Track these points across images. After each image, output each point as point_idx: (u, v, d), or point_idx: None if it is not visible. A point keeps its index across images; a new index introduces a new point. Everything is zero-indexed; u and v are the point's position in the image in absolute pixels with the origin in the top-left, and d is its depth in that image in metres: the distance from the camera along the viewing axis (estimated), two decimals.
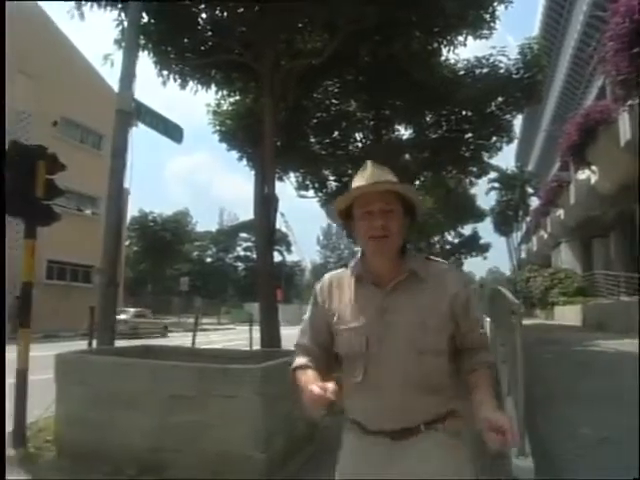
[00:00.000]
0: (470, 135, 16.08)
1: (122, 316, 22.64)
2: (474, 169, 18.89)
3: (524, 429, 4.37)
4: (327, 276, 2.06)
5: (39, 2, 26.12)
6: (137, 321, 25.42)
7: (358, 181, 1.85)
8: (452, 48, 12.19)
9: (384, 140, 16.58)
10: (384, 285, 1.83)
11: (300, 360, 1.90)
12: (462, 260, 50.70)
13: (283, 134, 12.54)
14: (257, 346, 10.69)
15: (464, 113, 15.27)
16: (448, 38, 11.89)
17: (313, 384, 1.67)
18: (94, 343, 7.45)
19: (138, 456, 4.54)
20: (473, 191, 35.84)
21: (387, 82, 12.79)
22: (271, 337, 9.88)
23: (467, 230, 48.58)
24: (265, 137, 10.54)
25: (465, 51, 18.17)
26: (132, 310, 26.68)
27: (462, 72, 14.39)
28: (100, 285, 7.06)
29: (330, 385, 1.63)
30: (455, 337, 1.83)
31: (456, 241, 49.99)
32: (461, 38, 11.93)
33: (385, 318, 1.79)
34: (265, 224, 10.50)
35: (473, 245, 51.44)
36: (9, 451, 5.31)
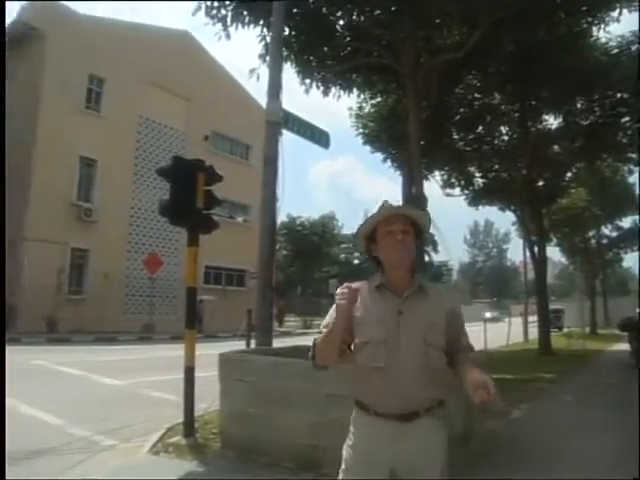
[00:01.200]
0: (627, 119, 14.89)
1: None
2: (633, 155, 17.42)
3: None
4: (348, 285, 2.31)
5: (190, 31, 28.30)
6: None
7: (379, 213, 2.32)
8: (603, 26, 11.37)
9: (531, 132, 15.86)
10: (399, 294, 2.27)
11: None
12: (621, 256, 46.70)
13: (427, 132, 12.42)
14: None
15: (619, 95, 14.18)
16: (598, 15, 11.09)
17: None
18: (252, 343, 7.84)
19: (295, 451, 4.75)
20: (632, 180, 32.88)
21: (532, 71, 12.22)
22: None
23: (626, 223, 44.63)
24: (410, 137, 10.50)
25: (618, 27, 16.73)
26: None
27: (616, 50, 13.35)
28: (257, 288, 7.41)
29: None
30: (448, 341, 2.25)
31: (614, 235, 46.22)
32: (614, 14, 11.05)
33: (401, 317, 2.23)
34: None
35: (634, 239, 47.24)
36: (180, 440, 5.78)
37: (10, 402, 8.07)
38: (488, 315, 47.09)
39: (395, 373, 2.16)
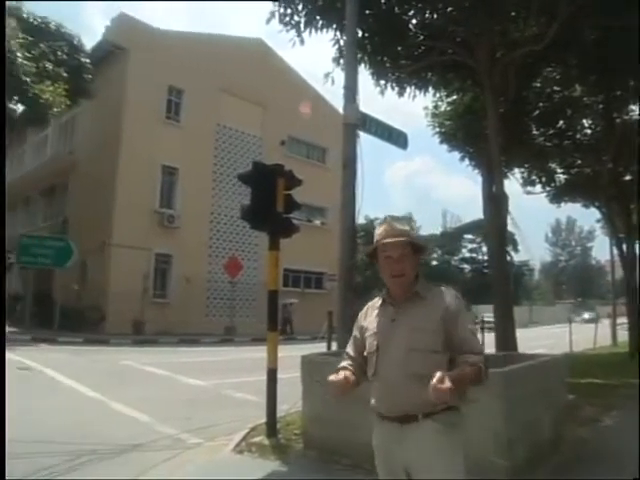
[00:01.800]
0: None
1: None
2: None
3: None
4: (369, 303, 2.64)
5: (264, 38, 28.87)
6: None
7: (379, 233, 2.46)
8: None
9: (617, 123, 15.14)
10: (397, 304, 2.42)
11: (343, 363, 2.54)
12: None
13: (505, 129, 12.09)
14: (489, 349, 10.41)
15: None
16: None
17: (333, 374, 2.36)
18: (333, 345, 7.88)
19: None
20: None
21: (617, 60, 11.63)
22: (507, 340, 9.55)
23: None
24: (489, 134, 10.27)
25: None
26: None
27: None
28: (338, 290, 7.44)
29: (343, 376, 2.34)
30: (447, 341, 2.28)
31: None
32: None
33: (393, 325, 2.38)
34: (496, 224, 10.22)
35: None
36: (263, 440, 5.88)
37: (102, 399, 8.50)
38: (586, 316, 45.40)
39: (385, 379, 2.34)
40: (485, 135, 10.96)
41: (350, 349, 2.62)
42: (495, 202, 10.22)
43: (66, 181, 27.71)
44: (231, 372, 12.27)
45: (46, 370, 11.31)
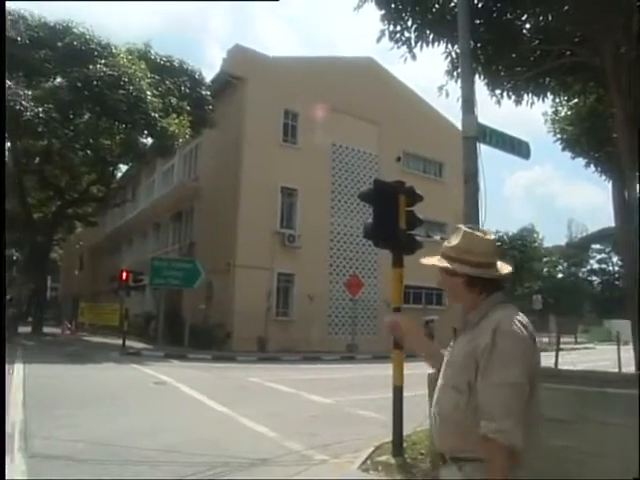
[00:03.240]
0: None
1: None
2: None
3: None
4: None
5: (374, 56, 29.08)
6: None
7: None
8: None
9: None
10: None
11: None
12: None
13: (635, 130, 11.33)
14: (627, 368, 9.72)
15: None
16: None
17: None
18: None
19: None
20: None
21: None
22: None
23: None
24: (618, 136, 9.67)
25: None
26: None
27: None
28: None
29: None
30: (470, 383, 1.90)
31: None
32: None
33: (448, 353, 2.14)
34: (628, 232, 9.58)
35: None
36: (389, 459, 5.83)
37: (231, 414, 8.83)
38: None
39: (434, 413, 2.11)
40: (613, 138, 10.32)
41: None
42: (628, 208, 9.58)
43: (192, 206, 29.22)
44: (353, 389, 12.32)
45: (179, 385, 11.92)
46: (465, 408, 1.89)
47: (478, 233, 2.14)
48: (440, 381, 2.08)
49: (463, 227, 2.16)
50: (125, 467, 5.55)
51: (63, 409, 8.53)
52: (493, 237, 2.17)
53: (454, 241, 2.13)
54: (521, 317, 2.01)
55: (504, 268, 2.17)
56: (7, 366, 13.19)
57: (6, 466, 5.31)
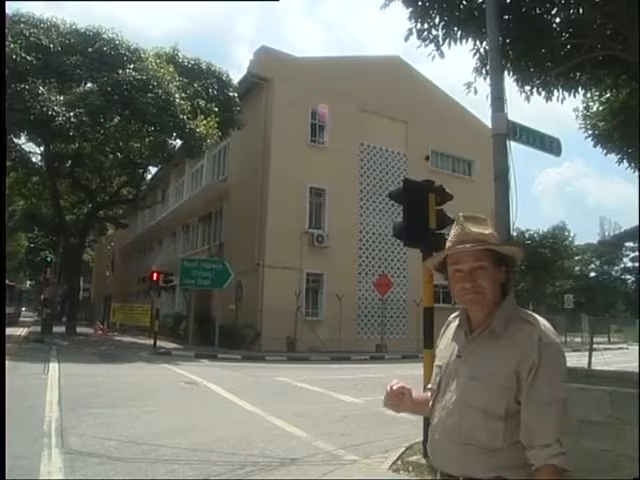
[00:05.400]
0: None
1: None
2: None
3: None
4: (450, 316, 2.07)
5: (401, 55, 28.86)
6: None
7: (449, 239, 1.90)
8: None
9: None
10: (470, 333, 1.85)
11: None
12: None
13: None
14: None
15: None
16: None
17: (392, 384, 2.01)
18: None
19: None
20: None
21: None
22: None
23: None
24: None
25: None
26: None
27: None
28: None
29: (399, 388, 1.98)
30: (513, 407, 1.68)
31: None
32: None
33: (458, 363, 1.84)
34: None
35: None
36: (419, 459, 5.81)
37: (261, 414, 8.88)
38: None
39: (433, 429, 1.87)
40: None
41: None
42: None
43: (221, 207, 29.46)
44: (382, 389, 12.23)
45: (209, 384, 12.03)
46: (503, 436, 1.68)
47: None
48: (451, 395, 1.82)
49: (461, 215, 1.93)
50: (157, 465, 5.62)
51: (96, 407, 8.70)
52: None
53: (486, 228, 1.88)
54: (546, 322, 1.78)
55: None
56: (42, 365, 13.58)
57: (42, 462, 5.47)
